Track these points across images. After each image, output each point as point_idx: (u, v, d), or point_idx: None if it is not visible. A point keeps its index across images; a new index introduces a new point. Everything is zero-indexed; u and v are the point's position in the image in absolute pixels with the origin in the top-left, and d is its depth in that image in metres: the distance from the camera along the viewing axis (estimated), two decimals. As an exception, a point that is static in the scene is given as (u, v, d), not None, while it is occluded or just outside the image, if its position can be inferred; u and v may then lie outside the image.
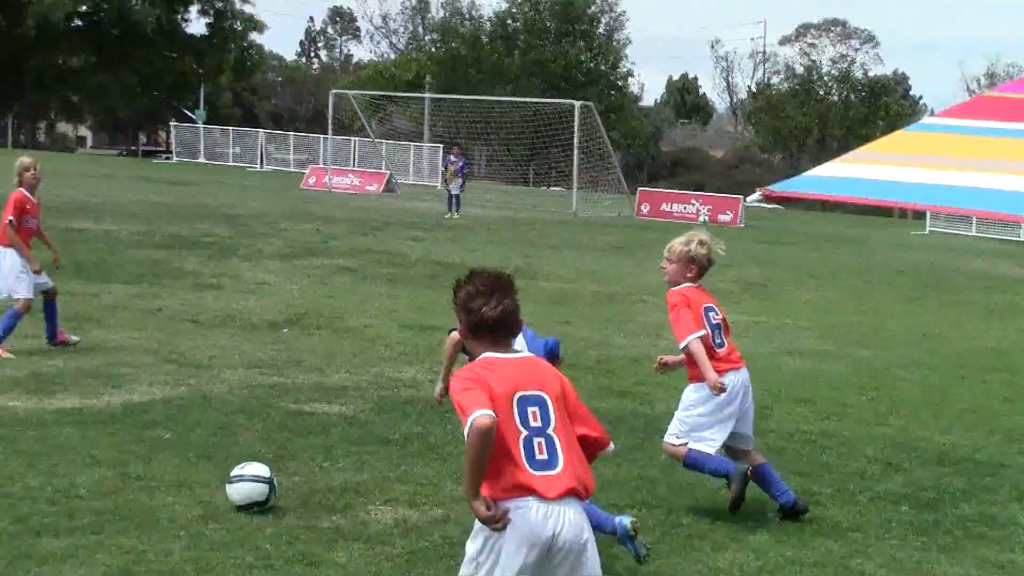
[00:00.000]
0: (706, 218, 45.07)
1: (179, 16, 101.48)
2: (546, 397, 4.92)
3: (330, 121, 54.49)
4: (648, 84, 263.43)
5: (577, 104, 46.58)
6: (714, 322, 8.07)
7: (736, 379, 8.06)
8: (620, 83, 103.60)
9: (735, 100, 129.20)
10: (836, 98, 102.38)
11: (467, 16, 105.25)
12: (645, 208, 47.51)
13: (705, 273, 8.17)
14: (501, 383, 4.85)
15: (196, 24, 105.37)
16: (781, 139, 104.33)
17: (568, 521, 4.79)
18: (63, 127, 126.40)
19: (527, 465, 4.78)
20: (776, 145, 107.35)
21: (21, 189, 12.80)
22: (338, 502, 7.87)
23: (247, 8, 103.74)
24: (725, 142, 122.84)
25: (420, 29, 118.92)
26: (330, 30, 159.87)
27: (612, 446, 5.27)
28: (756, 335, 16.94)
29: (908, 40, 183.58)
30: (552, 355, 6.91)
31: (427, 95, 66.40)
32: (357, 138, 66.22)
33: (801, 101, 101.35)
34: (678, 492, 8.59)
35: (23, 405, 9.93)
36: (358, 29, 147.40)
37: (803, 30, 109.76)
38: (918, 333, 18.48)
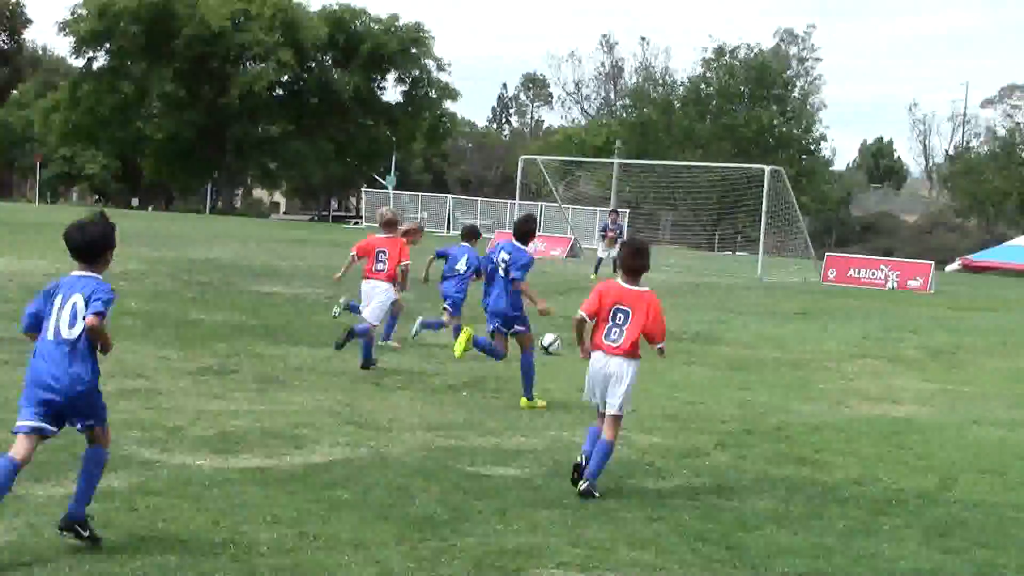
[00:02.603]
0: (895, 284, 44.19)
1: (375, 84, 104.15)
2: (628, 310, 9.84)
3: (518, 186, 55.14)
4: (840, 148, 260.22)
5: (767, 169, 46.27)
6: None
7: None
8: (812, 147, 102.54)
9: (931, 163, 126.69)
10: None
11: (660, 82, 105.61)
12: (832, 274, 46.67)
13: None
14: None
15: (392, 92, 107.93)
16: (978, 203, 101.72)
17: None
18: (259, 193, 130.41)
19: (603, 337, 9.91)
20: (972, 210, 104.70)
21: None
22: (511, 564, 7.91)
23: (443, 76, 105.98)
24: (918, 207, 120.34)
25: (612, 95, 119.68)
26: (523, 96, 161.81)
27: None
28: (941, 403, 16.57)
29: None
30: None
31: (616, 160, 66.67)
32: (544, 203, 66.81)
33: (1001, 165, 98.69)
34: (855, 561, 8.44)
35: (210, 464, 10.22)
36: (550, 95, 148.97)
37: (1007, 91, 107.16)
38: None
